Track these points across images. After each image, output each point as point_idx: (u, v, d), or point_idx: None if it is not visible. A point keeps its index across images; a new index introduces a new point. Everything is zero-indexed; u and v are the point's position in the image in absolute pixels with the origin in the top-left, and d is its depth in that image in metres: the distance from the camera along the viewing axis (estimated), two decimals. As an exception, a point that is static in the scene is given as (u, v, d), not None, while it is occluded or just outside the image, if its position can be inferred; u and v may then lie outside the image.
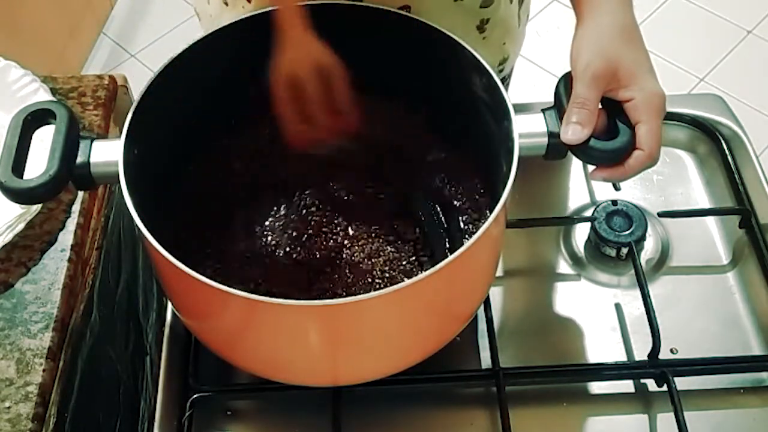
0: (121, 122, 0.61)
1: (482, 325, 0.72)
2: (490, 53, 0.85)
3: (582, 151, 0.61)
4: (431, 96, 0.72)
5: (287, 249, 0.70)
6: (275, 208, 0.73)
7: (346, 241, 0.70)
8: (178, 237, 0.67)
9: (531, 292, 0.78)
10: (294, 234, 0.71)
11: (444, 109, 0.72)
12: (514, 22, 0.86)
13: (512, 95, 0.62)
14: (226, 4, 0.80)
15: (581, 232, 0.81)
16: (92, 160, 0.60)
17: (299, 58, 0.66)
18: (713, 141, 0.86)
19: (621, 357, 0.72)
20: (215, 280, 0.52)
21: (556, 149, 0.62)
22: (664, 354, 0.70)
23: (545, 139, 0.63)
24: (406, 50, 0.69)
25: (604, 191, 0.84)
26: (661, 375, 0.69)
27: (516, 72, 0.98)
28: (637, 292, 0.73)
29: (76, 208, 0.75)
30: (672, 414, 0.66)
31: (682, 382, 0.68)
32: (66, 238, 0.73)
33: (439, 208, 0.73)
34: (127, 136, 0.59)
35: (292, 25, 0.65)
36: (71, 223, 0.74)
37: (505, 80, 0.93)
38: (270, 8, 0.68)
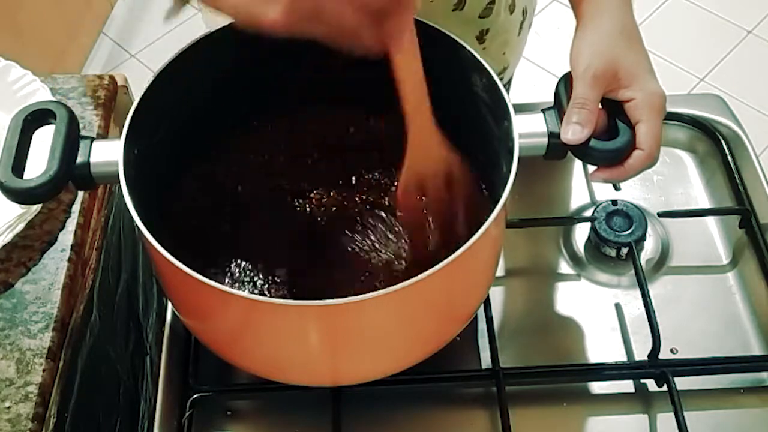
0: (121, 122, 0.61)
1: (482, 325, 0.72)
2: (490, 63, 0.85)
3: (582, 151, 0.61)
4: (431, 96, 0.72)
5: (288, 249, 0.70)
6: (275, 208, 0.73)
7: (346, 241, 0.70)
8: (178, 237, 0.67)
9: (531, 292, 0.78)
10: (294, 233, 0.71)
11: (444, 109, 0.72)
12: (514, 32, 0.86)
13: (512, 95, 0.62)
14: None
15: (581, 232, 0.81)
16: (92, 160, 0.60)
17: (429, 163, 0.63)
18: (713, 141, 0.86)
19: (621, 357, 0.72)
20: (215, 280, 0.52)
21: (556, 149, 0.63)
22: (664, 354, 0.70)
23: (545, 139, 0.63)
24: (406, 50, 0.69)
25: (604, 191, 0.84)
26: (661, 375, 0.69)
27: (516, 72, 0.98)
28: (637, 292, 0.73)
29: (76, 208, 0.75)
30: (672, 414, 0.66)
31: (682, 382, 0.68)
32: (66, 238, 0.73)
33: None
34: (127, 136, 0.59)
35: (423, 129, 0.61)
36: (71, 223, 0.74)
37: (506, 87, 0.93)
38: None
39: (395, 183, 0.73)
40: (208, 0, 0.52)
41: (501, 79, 0.88)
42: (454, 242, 0.59)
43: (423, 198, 0.64)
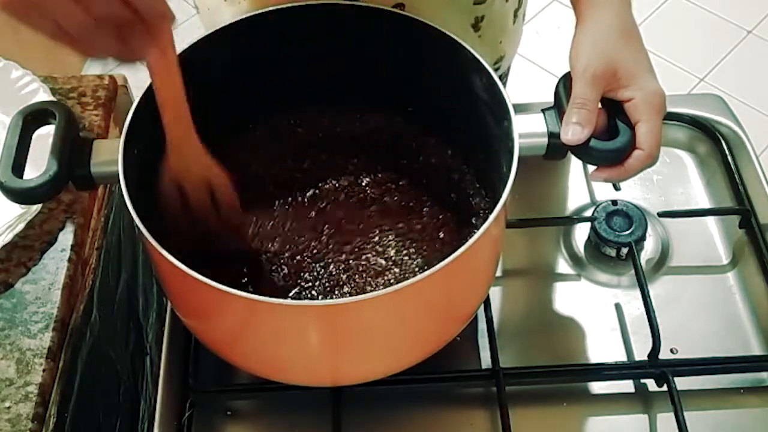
0: (121, 122, 0.61)
1: (482, 325, 0.72)
2: (486, 52, 0.85)
3: (582, 151, 0.61)
4: (431, 96, 0.72)
5: (288, 249, 0.70)
6: (275, 208, 0.73)
7: (347, 241, 0.70)
8: (178, 237, 0.67)
9: (531, 292, 0.78)
10: (295, 234, 0.71)
11: (444, 109, 0.72)
12: (509, 21, 0.86)
13: (512, 95, 0.62)
14: None
15: (581, 232, 0.81)
16: (92, 160, 0.60)
17: (188, 173, 0.63)
18: (713, 141, 0.86)
19: (621, 357, 0.72)
20: (215, 281, 0.52)
21: (556, 149, 0.63)
22: (664, 354, 0.70)
23: (545, 139, 0.63)
24: (405, 50, 0.69)
25: (604, 191, 0.84)
26: (661, 375, 0.69)
27: (516, 72, 0.98)
28: (637, 292, 0.73)
29: (76, 208, 0.75)
30: (672, 414, 0.66)
31: (682, 382, 0.68)
32: (66, 238, 0.73)
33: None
34: (127, 136, 0.59)
35: (182, 140, 0.61)
36: (71, 223, 0.74)
37: (503, 78, 0.93)
38: (270, 8, 0.68)
39: (400, 182, 0.73)
40: None
41: (498, 69, 0.89)
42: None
43: (185, 198, 0.64)
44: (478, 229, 0.56)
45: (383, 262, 0.68)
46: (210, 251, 0.68)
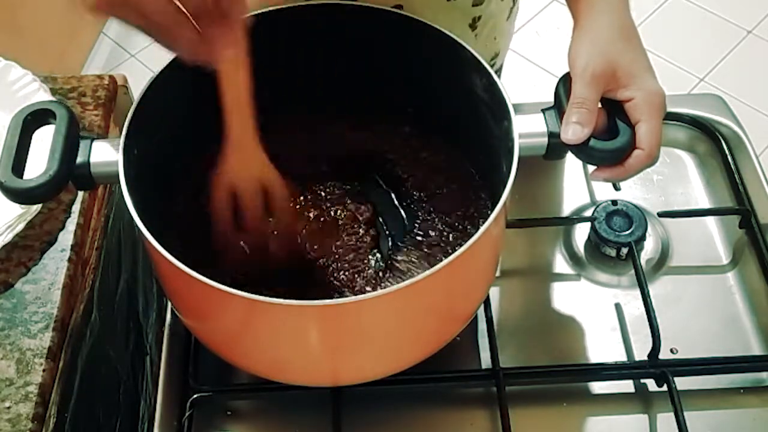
0: (121, 122, 0.61)
1: (482, 325, 0.72)
2: (483, 49, 0.85)
3: (582, 151, 0.61)
4: (431, 96, 0.72)
5: (289, 248, 0.70)
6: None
7: (348, 241, 0.70)
8: (177, 237, 0.67)
9: (531, 292, 0.78)
10: (296, 233, 0.71)
11: (444, 109, 0.72)
12: (503, 17, 0.86)
13: (512, 95, 0.62)
14: None
15: (581, 232, 0.81)
16: (92, 160, 0.60)
17: (245, 175, 0.64)
18: (713, 141, 0.86)
19: (621, 357, 0.72)
20: (215, 280, 0.52)
21: (556, 149, 0.63)
22: (664, 354, 0.70)
23: (545, 139, 0.63)
24: (405, 50, 0.69)
25: (604, 191, 0.84)
26: (661, 375, 0.69)
27: (516, 72, 0.98)
28: (637, 292, 0.73)
29: (76, 208, 0.75)
30: (672, 414, 0.66)
31: (682, 382, 0.68)
32: (66, 238, 0.73)
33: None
34: (127, 136, 0.59)
35: (243, 140, 0.62)
36: (71, 223, 0.74)
37: (497, 74, 0.93)
38: (269, 8, 0.68)
39: (404, 185, 0.73)
40: None
41: (493, 66, 0.89)
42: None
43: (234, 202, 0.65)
44: (478, 229, 0.56)
45: (383, 261, 0.68)
46: (210, 251, 0.68)
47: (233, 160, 0.63)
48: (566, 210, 0.83)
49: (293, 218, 0.69)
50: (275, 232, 0.68)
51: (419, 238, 0.70)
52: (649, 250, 0.79)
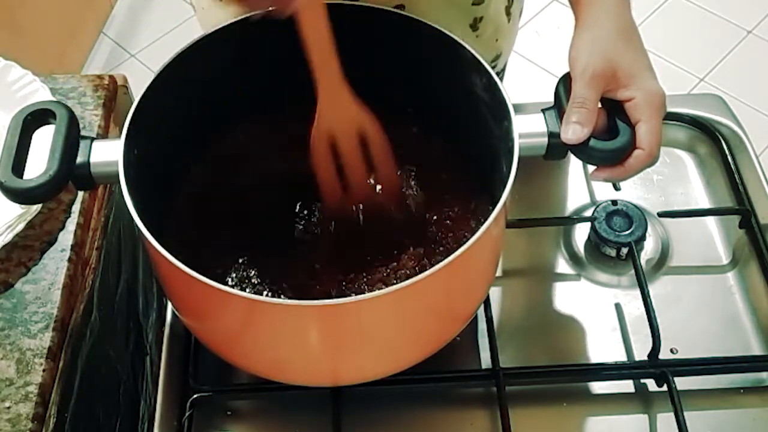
0: (121, 122, 0.61)
1: (482, 325, 0.72)
2: (484, 50, 0.85)
3: (582, 151, 0.61)
4: (431, 96, 0.72)
5: (289, 248, 0.70)
6: (276, 208, 0.73)
7: (348, 241, 0.70)
8: (178, 237, 0.67)
9: (531, 292, 0.78)
10: (296, 233, 0.71)
11: (444, 109, 0.72)
12: (504, 19, 0.86)
13: (512, 95, 0.62)
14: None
15: (581, 232, 0.81)
16: (92, 160, 0.60)
17: (340, 120, 0.65)
18: (713, 141, 0.86)
19: (621, 357, 0.72)
20: (215, 281, 0.52)
21: (556, 149, 0.63)
22: (664, 354, 0.70)
23: (545, 139, 0.63)
24: (405, 50, 0.69)
25: (604, 191, 0.84)
26: (661, 375, 0.69)
27: (516, 72, 0.98)
28: (637, 292, 0.73)
29: (76, 208, 0.75)
30: (672, 414, 0.66)
31: (682, 382, 0.68)
32: (66, 238, 0.73)
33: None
34: (127, 136, 0.59)
35: (331, 84, 0.63)
36: (71, 223, 0.74)
37: (499, 75, 0.93)
38: (270, 8, 0.68)
39: (404, 185, 0.73)
40: None
41: (494, 67, 0.89)
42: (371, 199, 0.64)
43: (336, 155, 0.66)
44: (478, 230, 0.56)
45: (382, 261, 0.68)
46: (210, 251, 0.67)
47: (327, 106, 0.64)
48: (566, 210, 0.83)
49: (393, 166, 0.69)
50: (377, 184, 0.68)
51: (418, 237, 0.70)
52: (649, 250, 0.79)
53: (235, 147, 0.75)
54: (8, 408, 0.63)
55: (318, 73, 0.63)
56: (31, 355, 0.66)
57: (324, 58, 0.62)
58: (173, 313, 0.73)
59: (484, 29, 0.83)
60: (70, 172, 0.60)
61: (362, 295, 0.52)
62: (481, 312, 0.71)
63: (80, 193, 0.76)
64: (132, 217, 0.55)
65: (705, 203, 0.84)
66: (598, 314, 0.75)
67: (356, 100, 0.65)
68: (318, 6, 0.60)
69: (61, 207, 0.74)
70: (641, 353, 0.71)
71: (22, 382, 0.64)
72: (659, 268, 0.78)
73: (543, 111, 0.64)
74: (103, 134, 0.81)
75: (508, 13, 0.87)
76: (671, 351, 0.72)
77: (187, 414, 0.67)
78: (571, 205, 0.84)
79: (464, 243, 0.55)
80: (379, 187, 0.69)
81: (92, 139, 0.62)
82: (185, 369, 0.69)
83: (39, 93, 0.79)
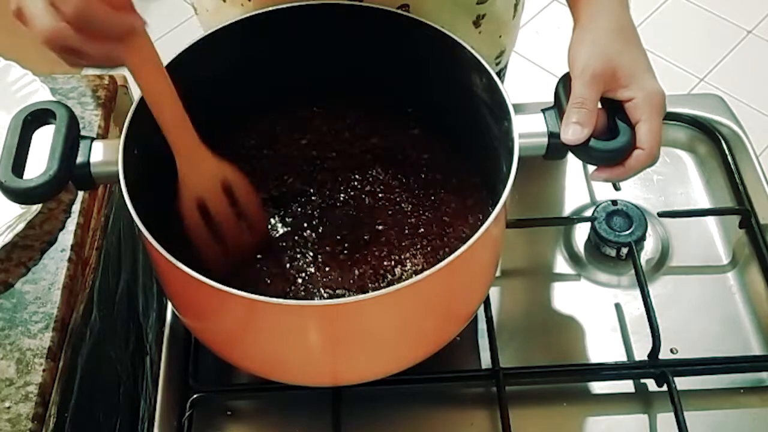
0: (121, 122, 0.61)
1: (482, 325, 0.72)
2: (487, 47, 0.85)
3: (582, 151, 0.61)
4: (431, 96, 0.72)
5: (289, 248, 0.70)
6: (275, 208, 0.73)
7: (349, 241, 0.70)
8: (178, 237, 0.67)
9: (531, 292, 0.78)
10: (296, 233, 0.71)
11: (444, 109, 0.72)
12: (508, 15, 0.86)
13: (512, 95, 0.62)
14: (224, 0, 0.80)
15: (581, 232, 0.81)
16: (92, 160, 0.60)
17: (204, 181, 0.63)
18: (713, 141, 0.86)
19: (621, 357, 0.72)
20: (215, 281, 0.52)
21: (556, 149, 0.63)
22: (664, 354, 0.70)
23: (545, 139, 0.63)
24: (406, 50, 0.69)
25: (604, 191, 0.84)
26: (661, 375, 0.69)
27: (516, 71, 0.98)
28: (637, 292, 0.73)
29: (76, 208, 0.75)
30: (672, 414, 0.66)
31: (682, 382, 0.68)
32: (66, 238, 0.73)
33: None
34: (127, 136, 0.59)
35: (187, 147, 0.61)
36: (71, 223, 0.74)
37: (501, 73, 0.93)
38: (270, 8, 0.68)
39: (399, 182, 0.73)
40: None
41: (498, 65, 0.89)
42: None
43: (207, 214, 0.64)
44: (478, 230, 0.56)
45: (383, 261, 0.68)
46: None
47: (188, 172, 0.62)
48: (566, 210, 0.83)
49: (260, 209, 0.68)
50: (249, 226, 0.67)
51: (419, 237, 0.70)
52: (649, 250, 0.79)
53: (235, 147, 0.75)
54: (8, 408, 0.63)
55: (172, 137, 0.60)
56: (31, 355, 0.66)
57: (174, 119, 0.59)
58: (173, 313, 0.73)
59: (487, 26, 0.83)
60: (70, 172, 0.60)
61: (362, 295, 0.52)
62: (481, 312, 0.71)
63: (80, 193, 0.76)
64: (132, 217, 0.55)
65: (705, 203, 0.84)
66: (598, 314, 0.75)
67: (212, 157, 0.63)
68: (152, 62, 0.56)
69: (61, 207, 0.74)
70: (641, 353, 0.71)
71: (22, 382, 0.64)
72: (659, 268, 0.78)
73: (543, 111, 0.64)
74: (103, 134, 0.81)
75: (515, 9, 0.87)
76: (671, 351, 0.72)
77: (187, 414, 0.67)
78: (571, 205, 0.84)
79: (464, 243, 0.55)
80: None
81: (92, 139, 0.62)
82: (185, 369, 0.69)
83: (39, 93, 0.79)
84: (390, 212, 0.72)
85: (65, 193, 0.73)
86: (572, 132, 0.60)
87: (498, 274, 0.76)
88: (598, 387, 0.70)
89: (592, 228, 0.78)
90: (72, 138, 0.61)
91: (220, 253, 0.66)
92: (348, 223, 0.71)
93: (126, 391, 0.81)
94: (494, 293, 0.76)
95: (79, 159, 0.60)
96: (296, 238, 0.70)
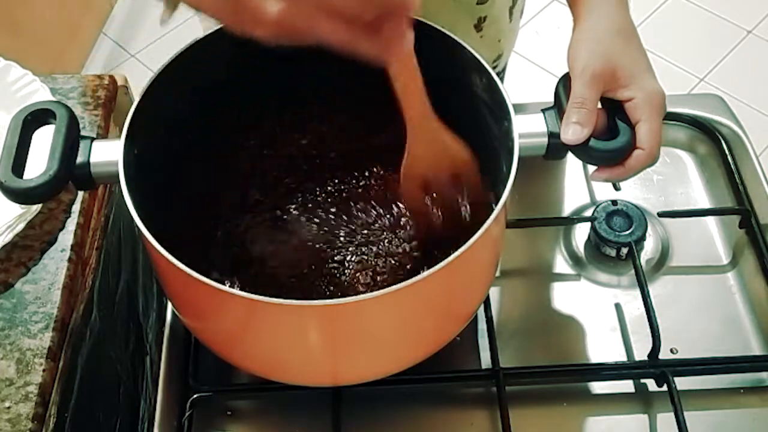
0: (121, 122, 0.61)
1: (482, 325, 0.72)
2: (486, 51, 0.86)
3: (582, 151, 0.61)
4: (431, 96, 0.72)
5: (289, 249, 0.70)
6: (276, 208, 0.73)
7: (349, 242, 0.70)
8: (178, 237, 0.67)
9: (531, 292, 0.78)
10: (297, 233, 0.71)
11: (444, 109, 0.72)
12: (506, 19, 0.86)
13: (512, 95, 0.62)
14: None
15: (581, 232, 0.81)
16: (92, 160, 0.60)
17: (431, 155, 0.63)
18: (713, 141, 0.86)
19: (621, 357, 0.72)
20: (216, 281, 0.52)
21: (556, 149, 0.63)
22: (664, 354, 0.70)
23: (545, 139, 0.63)
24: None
25: (604, 191, 0.84)
26: (661, 375, 0.69)
27: (516, 72, 0.98)
28: (637, 292, 0.73)
29: (76, 208, 0.75)
30: (672, 414, 0.66)
31: (682, 382, 0.68)
32: (66, 238, 0.73)
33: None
34: (127, 136, 0.59)
35: (421, 116, 0.61)
36: (71, 223, 0.74)
37: (500, 75, 0.94)
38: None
39: (396, 177, 0.73)
40: (191, 2, 0.51)
41: (496, 67, 0.89)
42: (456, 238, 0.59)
43: (427, 190, 0.64)
44: (478, 230, 0.56)
45: (383, 262, 0.68)
46: (211, 251, 0.67)
47: (416, 142, 0.62)
48: (566, 210, 0.83)
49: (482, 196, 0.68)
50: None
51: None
52: (649, 250, 0.79)
53: (236, 147, 0.75)
54: (8, 408, 0.63)
55: (416, 125, 0.61)
56: (31, 355, 0.66)
57: (421, 110, 0.61)
58: (173, 313, 0.73)
59: (488, 30, 0.83)
60: (70, 172, 0.60)
61: (362, 295, 0.52)
62: (481, 312, 0.71)
63: (80, 193, 0.76)
64: (132, 217, 0.55)
65: (705, 203, 0.84)
66: (598, 314, 0.75)
67: (446, 130, 0.63)
68: (411, 55, 0.58)
69: (61, 207, 0.74)
70: (641, 353, 0.71)
71: (22, 382, 0.64)
72: (659, 268, 0.78)
73: (543, 111, 0.64)
74: (103, 134, 0.81)
75: (510, 13, 0.87)
76: (671, 351, 0.72)
77: (187, 414, 0.67)
78: (571, 205, 0.84)
79: (464, 243, 0.55)
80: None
81: (92, 139, 0.62)
82: (185, 369, 0.69)
83: (39, 93, 0.79)
84: (390, 212, 0.72)
85: (65, 193, 0.73)
86: (572, 132, 0.60)
87: (498, 274, 0.76)
88: (598, 387, 0.70)
89: (592, 228, 0.78)
90: (72, 138, 0.61)
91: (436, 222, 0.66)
92: (346, 223, 0.71)
93: (126, 391, 0.81)
94: (494, 293, 0.76)
95: (79, 159, 0.60)
96: (295, 237, 0.70)
